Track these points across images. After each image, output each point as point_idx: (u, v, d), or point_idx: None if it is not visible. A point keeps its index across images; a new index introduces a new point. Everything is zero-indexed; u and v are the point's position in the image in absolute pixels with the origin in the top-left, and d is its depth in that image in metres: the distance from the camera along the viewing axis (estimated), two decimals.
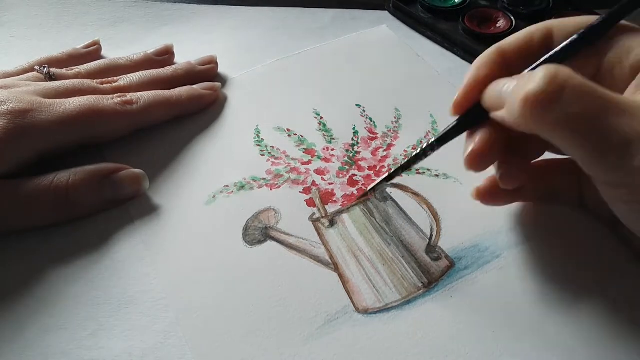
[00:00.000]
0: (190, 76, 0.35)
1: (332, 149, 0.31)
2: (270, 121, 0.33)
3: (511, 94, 0.20)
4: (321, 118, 0.33)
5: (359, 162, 0.31)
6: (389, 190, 0.29)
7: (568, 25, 0.23)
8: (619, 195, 0.20)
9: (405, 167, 0.26)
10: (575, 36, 0.22)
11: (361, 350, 0.22)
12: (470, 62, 0.37)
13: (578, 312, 0.23)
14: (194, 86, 0.34)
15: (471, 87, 0.23)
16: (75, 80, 0.31)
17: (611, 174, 0.19)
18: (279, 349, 0.22)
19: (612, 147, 0.18)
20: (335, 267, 0.25)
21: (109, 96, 0.30)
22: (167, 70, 0.35)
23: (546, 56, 0.22)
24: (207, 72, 0.36)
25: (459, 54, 0.38)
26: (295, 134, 0.32)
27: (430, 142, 0.24)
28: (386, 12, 0.43)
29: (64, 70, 0.33)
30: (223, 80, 0.37)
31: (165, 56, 0.37)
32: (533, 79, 0.19)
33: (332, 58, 0.38)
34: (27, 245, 0.26)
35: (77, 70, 0.33)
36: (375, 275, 0.25)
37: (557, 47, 0.22)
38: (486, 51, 0.23)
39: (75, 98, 0.29)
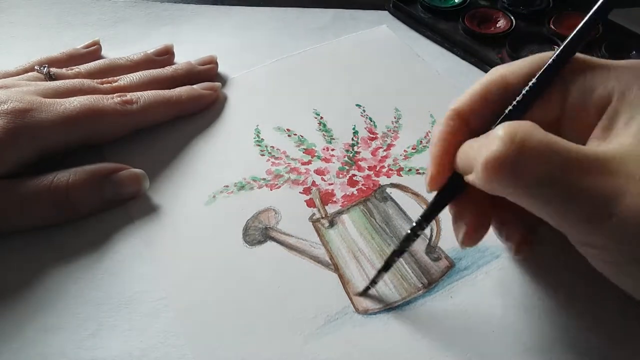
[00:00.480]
0: (190, 76, 0.35)
1: (332, 149, 0.31)
2: (270, 121, 0.33)
3: (474, 158, 0.19)
4: (321, 118, 0.33)
5: (359, 162, 0.31)
6: (389, 190, 0.29)
7: (521, 70, 0.21)
8: (598, 255, 0.19)
9: (398, 252, 0.23)
10: (530, 84, 0.20)
11: (361, 351, 0.22)
12: (471, 62, 0.38)
13: (578, 312, 0.23)
14: (194, 86, 0.34)
15: (440, 159, 0.21)
16: (75, 80, 0.31)
17: (586, 236, 0.18)
18: (279, 349, 0.22)
19: (583, 209, 0.17)
20: (335, 268, 0.25)
21: (109, 96, 0.30)
22: (167, 70, 0.35)
23: (506, 111, 0.21)
24: (207, 72, 0.36)
25: (459, 54, 0.38)
26: (295, 134, 0.32)
27: (417, 222, 0.22)
28: (386, 12, 0.43)
29: (64, 70, 0.33)
30: (223, 80, 0.37)
31: (165, 56, 0.37)
32: (491, 141, 0.18)
33: (332, 58, 0.38)
34: (27, 245, 0.26)
35: (77, 70, 0.33)
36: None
37: (514, 97, 0.21)
38: (444, 118, 0.22)
39: (75, 98, 0.29)
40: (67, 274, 0.25)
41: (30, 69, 0.33)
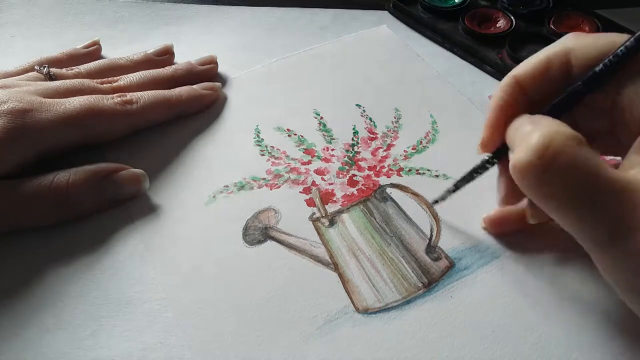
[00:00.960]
0: (190, 76, 0.35)
1: (332, 149, 0.31)
2: (270, 121, 0.33)
3: (514, 146, 0.19)
4: (321, 118, 0.33)
5: (359, 162, 0.31)
6: (388, 190, 0.29)
7: (588, 50, 0.20)
8: (617, 281, 0.19)
9: (467, 179, 0.25)
10: (591, 72, 0.20)
11: (361, 350, 0.22)
12: (471, 62, 0.38)
13: (578, 313, 0.23)
14: (194, 86, 0.34)
15: (493, 126, 0.22)
16: (75, 80, 0.31)
17: (604, 260, 0.18)
18: (279, 349, 0.22)
19: (598, 233, 0.17)
20: (335, 267, 0.25)
21: (109, 96, 0.30)
22: (167, 70, 0.35)
23: (560, 97, 0.20)
24: (207, 72, 0.36)
25: (459, 54, 0.38)
26: (295, 134, 0.32)
27: (481, 164, 0.24)
28: (386, 12, 0.43)
29: (64, 70, 0.33)
30: (223, 80, 0.37)
31: (165, 56, 0.37)
32: (526, 146, 0.18)
33: (332, 58, 0.38)
34: (27, 245, 0.26)
35: (77, 70, 0.33)
36: (375, 275, 0.25)
37: (576, 73, 0.20)
38: (502, 82, 0.22)
39: (75, 98, 0.29)
40: (67, 274, 0.25)
41: (30, 69, 0.33)
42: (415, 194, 0.28)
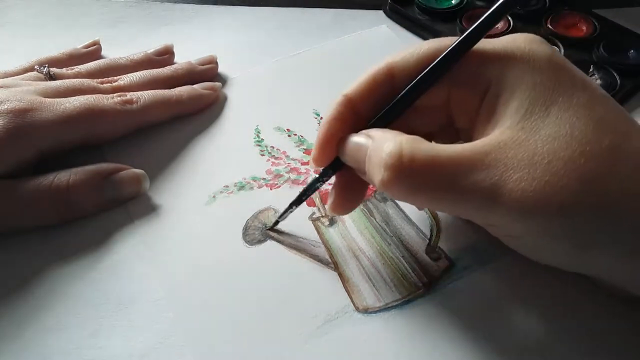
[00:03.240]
0: (191, 76, 0.35)
1: None
2: (270, 121, 0.33)
3: (366, 164, 0.20)
4: (321, 118, 0.33)
5: None
6: None
7: (409, 63, 0.22)
8: (504, 236, 0.21)
9: (305, 195, 0.25)
10: (414, 82, 0.21)
11: (361, 350, 0.22)
12: None
13: (578, 313, 0.23)
14: (194, 86, 0.34)
15: (325, 142, 0.23)
16: (75, 79, 0.31)
17: (485, 223, 0.20)
18: (279, 349, 0.22)
19: (473, 205, 0.19)
20: (335, 266, 0.25)
21: (109, 95, 0.30)
22: (167, 70, 0.35)
23: (386, 108, 0.22)
24: (207, 72, 0.36)
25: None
26: (295, 134, 0.32)
27: (298, 196, 0.25)
28: (378, 12, 0.43)
29: (64, 70, 0.33)
30: (223, 80, 0.37)
31: (165, 56, 0.37)
32: (379, 167, 0.19)
33: (332, 58, 0.38)
34: (27, 245, 0.26)
35: (77, 69, 0.33)
36: (375, 275, 0.25)
37: (401, 87, 0.21)
38: (334, 102, 0.23)
39: (75, 97, 0.29)
40: (67, 274, 0.25)
41: (30, 68, 0.33)
42: None
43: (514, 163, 0.18)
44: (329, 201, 0.24)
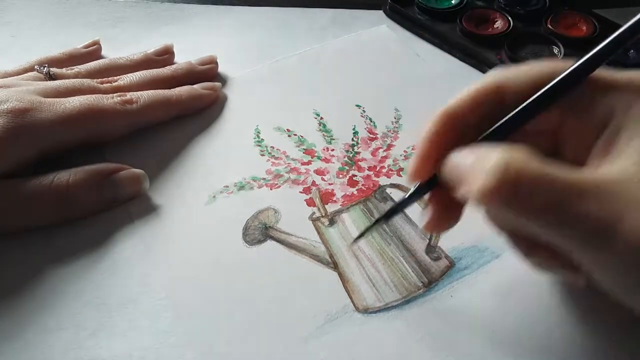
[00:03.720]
0: (190, 76, 0.35)
1: (332, 149, 0.31)
2: (270, 121, 0.33)
3: (466, 177, 0.18)
4: (321, 118, 0.33)
5: (359, 163, 0.31)
6: (388, 190, 0.29)
7: (520, 82, 0.20)
8: (604, 279, 0.19)
9: (380, 220, 0.23)
10: (527, 102, 0.20)
11: (361, 350, 0.22)
12: (470, 63, 0.38)
13: (579, 312, 0.23)
14: (194, 86, 0.34)
15: (425, 158, 0.21)
16: (75, 79, 0.31)
17: (590, 262, 0.18)
18: (279, 349, 0.22)
19: (583, 236, 0.17)
20: (335, 266, 0.25)
21: (109, 95, 0.30)
22: (167, 70, 0.35)
23: (494, 127, 0.20)
24: (207, 72, 0.36)
25: (458, 55, 0.38)
26: (295, 134, 0.32)
27: (393, 208, 0.23)
28: (378, 12, 0.43)
29: (64, 70, 0.33)
30: (223, 80, 0.37)
31: (165, 56, 0.37)
32: (482, 173, 0.17)
33: (332, 58, 0.38)
34: (27, 245, 0.26)
35: (77, 69, 0.33)
36: (375, 275, 0.25)
37: (510, 107, 0.20)
38: (435, 117, 0.21)
39: (75, 97, 0.29)
40: (67, 274, 0.25)
41: (30, 68, 0.33)
42: None
43: (636, 201, 0.16)
44: (424, 220, 0.22)
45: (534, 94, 0.20)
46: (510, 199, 0.17)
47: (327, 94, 0.35)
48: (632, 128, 0.18)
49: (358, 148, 0.31)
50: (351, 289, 0.25)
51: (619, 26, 0.36)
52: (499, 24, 0.39)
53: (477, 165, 0.18)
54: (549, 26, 0.38)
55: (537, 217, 0.17)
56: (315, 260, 0.26)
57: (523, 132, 0.20)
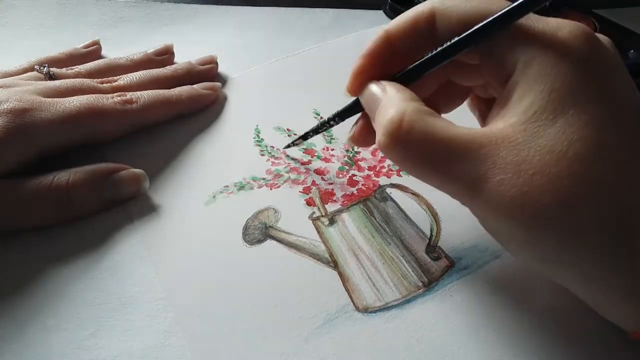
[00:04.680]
0: (190, 76, 0.35)
1: (332, 149, 0.31)
2: (270, 121, 0.33)
3: (374, 119, 0.21)
4: (321, 118, 0.33)
5: (359, 163, 0.31)
6: (388, 190, 0.29)
7: (451, 15, 0.21)
8: (492, 233, 0.21)
9: (310, 133, 0.29)
10: (450, 42, 0.20)
11: (361, 349, 0.22)
12: None
13: (579, 312, 0.23)
14: (194, 86, 0.34)
15: (360, 73, 0.23)
16: (75, 79, 0.31)
17: (475, 214, 0.20)
18: (279, 348, 0.22)
19: (456, 190, 0.19)
20: (335, 266, 0.25)
21: (108, 95, 0.30)
22: (167, 69, 0.35)
23: (410, 67, 0.22)
24: (207, 72, 0.36)
25: None
26: (295, 134, 0.32)
27: (332, 116, 0.27)
28: (379, 12, 0.43)
29: (64, 70, 0.33)
30: (223, 80, 0.37)
31: (165, 56, 0.37)
32: (382, 126, 0.20)
33: (332, 58, 0.38)
34: (27, 245, 0.26)
35: (77, 69, 0.33)
36: (375, 274, 0.25)
37: (441, 38, 0.21)
38: (376, 35, 0.23)
39: (75, 97, 0.29)
40: (67, 274, 0.25)
41: (30, 68, 0.33)
42: (415, 194, 0.28)
43: (502, 164, 0.18)
44: (350, 133, 0.25)
45: (461, 32, 0.20)
46: (401, 155, 0.20)
47: (327, 93, 0.35)
48: (525, 87, 0.19)
49: (358, 148, 0.31)
50: (351, 289, 0.25)
51: (619, 26, 0.35)
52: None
53: (379, 116, 0.21)
54: None
55: (424, 174, 0.20)
56: (315, 259, 0.26)
57: (454, 62, 0.21)
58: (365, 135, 0.25)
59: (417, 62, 0.22)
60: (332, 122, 0.27)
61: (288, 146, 0.30)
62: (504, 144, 0.18)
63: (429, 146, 0.19)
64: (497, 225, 0.19)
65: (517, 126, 0.18)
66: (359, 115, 0.25)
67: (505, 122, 0.19)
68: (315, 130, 0.28)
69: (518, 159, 0.18)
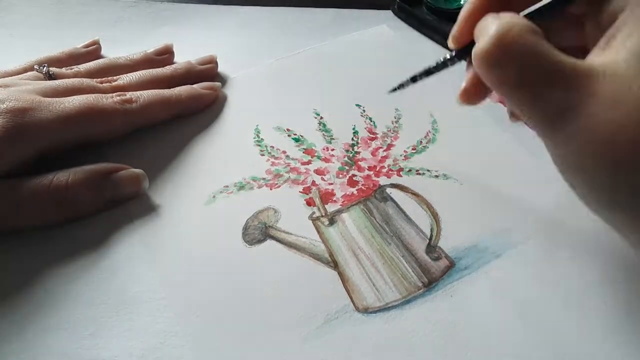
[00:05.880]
0: (190, 75, 0.35)
1: (332, 149, 0.31)
2: (270, 121, 0.33)
3: (478, 38, 0.20)
4: (321, 118, 0.33)
5: (359, 163, 0.31)
6: (388, 190, 0.29)
7: None
8: (557, 155, 0.20)
9: (422, 74, 0.26)
10: None
11: (361, 350, 0.22)
12: None
13: (579, 312, 0.23)
14: (194, 85, 0.34)
15: (466, 20, 0.22)
16: (74, 79, 0.31)
17: (546, 136, 0.19)
18: (278, 349, 0.22)
19: (544, 115, 0.18)
20: (335, 266, 0.25)
21: (108, 95, 0.30)
22: (167, 69, 0.35)
23: (539, 6, 0.21)
24: (207, 71, 0.36)
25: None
26: (295, 134, 0.32)
27: (450, 56, 0.25)
28: (387, 12, 0.43)
29: (63, 70, 0.33)
30: (223, 80, 0.37)
31: (164, 55, 0.37)
32: (486, 34, 0.19)
33: (332, 58, 0.38)
34: (27, 245, 0.26)
35: (76, 69, 0.33)
36: (375, 274, 0.25)
37: None
38: None
39: (74, 97, 0.29)
40: (67, 274, 0.25)
41: (30, 68, 0.33)
42: (415, 194, 0.28)
43: (601, 96, 0.17)
44: (460, 90, 0.24)
45: None
46: (501, 62, 0.19)
47: (327, 93, 0.35)
48: (633, 26, 0.18)
49: (358, 148, 0.31)
50: (351, 289, 0.25)
51: None
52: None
53: (486, 28, 0.19)
54: None
55: (512, 89, 0.19)
56: (315, 259, 0.26)
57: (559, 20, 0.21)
58: (476, 84, 0.23)
59: (543, 4, 0.21)
60: (449, 63, 0.25)
61: (395, 89, 0.27)
62: (605, 77, 0.17)
63: (533, 60, 0.18)
64: (577, 162, 0.18)
65: (622, 63, 0.18)
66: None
67: (609, 57, 0.18)
68: (428, 72, 0.26)
69: (619, 94, 0.17)
